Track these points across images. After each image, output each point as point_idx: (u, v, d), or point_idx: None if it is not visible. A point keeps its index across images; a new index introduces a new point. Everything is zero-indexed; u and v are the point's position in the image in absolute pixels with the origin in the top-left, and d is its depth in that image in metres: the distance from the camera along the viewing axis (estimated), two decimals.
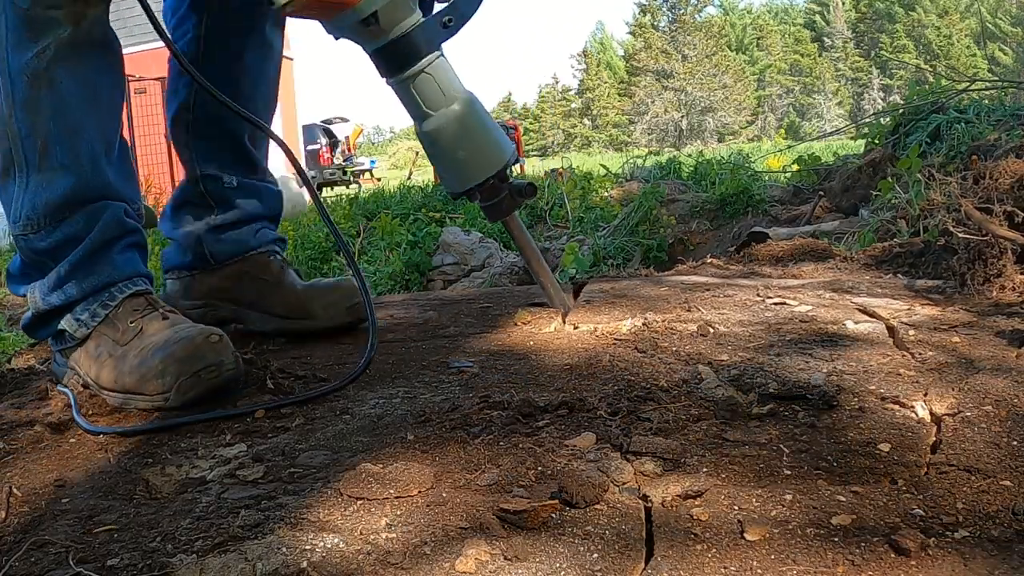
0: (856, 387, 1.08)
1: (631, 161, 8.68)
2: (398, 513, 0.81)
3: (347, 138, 18.46)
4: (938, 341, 1.28)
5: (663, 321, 1.44)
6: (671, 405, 1.05)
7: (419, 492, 0.85)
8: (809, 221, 4.25)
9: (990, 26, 43.85)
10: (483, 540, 0.74)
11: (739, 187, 5.39)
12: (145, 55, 11.30)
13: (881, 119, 5.68)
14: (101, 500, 0.91)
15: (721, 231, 5.12)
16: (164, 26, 1.28)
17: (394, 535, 0.77)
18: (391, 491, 0.85)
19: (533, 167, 17.07)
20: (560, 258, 4.55)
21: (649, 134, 47.22)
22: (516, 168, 13.73)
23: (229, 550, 0.74)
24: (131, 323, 1.26)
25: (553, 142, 52.87)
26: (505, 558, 0.72)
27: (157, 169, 11.45)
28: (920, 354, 1.21)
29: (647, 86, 48.81)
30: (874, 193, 3.77)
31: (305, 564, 0.72)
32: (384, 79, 1.34)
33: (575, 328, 1.47)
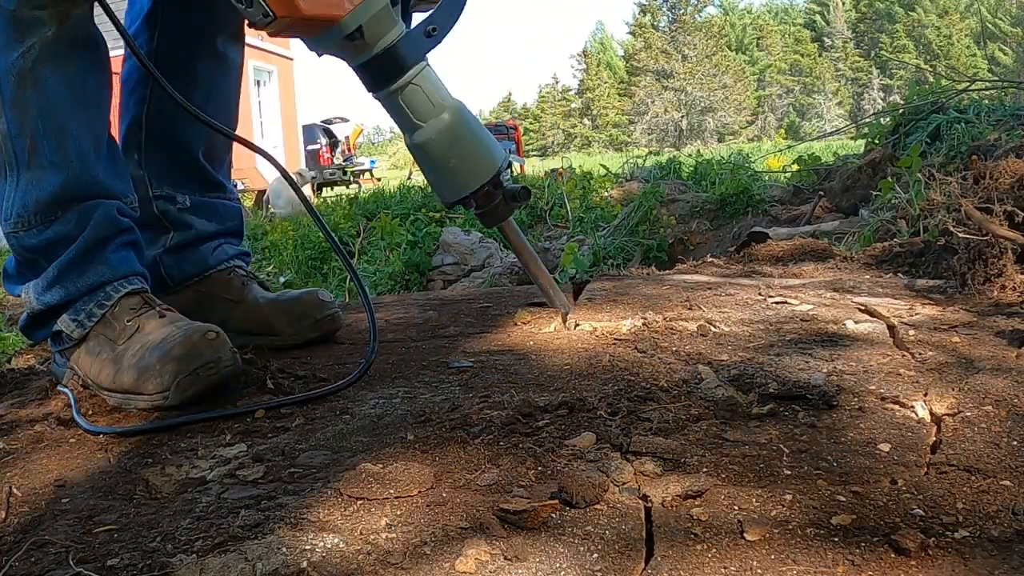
0: (856, 387, 1.08)
1: (631, 161, 8.68)
2: (398, 513, 0.81)
3: (347, 138, 18.45)
4: (938, 341, 1.28)
5: (664, 320, 1.44)
6: (671, 405, 1.05)
7: (419, 492, 0.85)
8: (809, 221, 4.25)
9: (990, 26, 43.86)
10: (483, 540, 0.74)
11: (739, 187, 5.38)
12: None
13: (881, 119, 5.68)
14: (101, 500, 0.91)
15: (721, 231, 5.12)
16: (126, 30, 1.26)
17: (394, 535, 0.77)
18: (391, 491, 0.85)
19: (533, 167, 17.07)
20: (560, 258, 4.55)
21: (649, 134, 47.23)
22: (516, 168, 13.73)
23: (229, 550, 0.74)
24: (128, 322, 1.26)
25: (553, 142, 52.88)
26: (505, 558, 0.72)
27: None
28: (920, 354, 1.21)
29: (647, 86, 48.82)
30: (874, 193, 3.77)
31: (305, 564, 0.72)
32: (371, 93, 1.32)
33: (575, 327, 1.47)
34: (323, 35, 1.24)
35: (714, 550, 0.72)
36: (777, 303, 1.55)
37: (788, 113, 51.40)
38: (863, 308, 1.49)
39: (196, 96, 1.51)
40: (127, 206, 1.35)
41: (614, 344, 1.35)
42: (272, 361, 1.35)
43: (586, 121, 53.92)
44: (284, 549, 0.74)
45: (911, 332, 1.33)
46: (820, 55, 52.71)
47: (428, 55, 1.30)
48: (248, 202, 13.76)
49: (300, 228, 7.60)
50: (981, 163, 2.01)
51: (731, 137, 45.60)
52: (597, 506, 0.80)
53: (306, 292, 1.56)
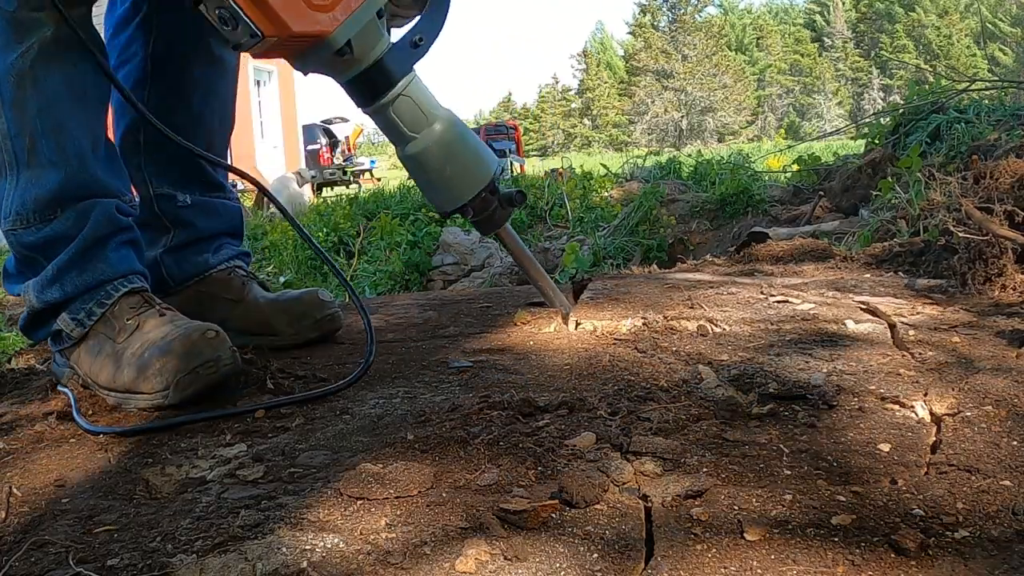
0: (856, 387, 1.08)
1: (631, 161, 8.68)
2: (398, 513, 0.81)
3: (347, 138, 18.44)
4: (938, 341, 1.28)
5: (664, 320, 1.44)
6: (671, 405, 1.05)
7: (419, 492, 0.85)
8: (809, 221, 4.25)
9: (990, 26, 43.86)
10: (483, 540, 0.74)
11: (739, 187, 5.39)
12: None
13: (881, 119, 5.68)
14: (101, 500, 0.91)
15: (721, 231, 5.12)
16: (114, 74, 1.24)
17: (394, 535, 0.77)
18: (391, 491, 0.85)
19: (533, 167, 17.07)
20: (560, 258, 4.55)
21: (649, 134, 47.23)
22: (517, 168, 13.72)
23: (229, 550, 0.74)
24: (128, 321, 1.26)
25: (553, 142, 52.89)
26: (505, 558, 0.72)
27: None
28: (920, 354, 1.21)
29: (647, 86, 48.83)
30: (874, 193, 3.77)
31: (305, 564, 0.72)
32: (361, 109, 1.31)
33: (576, 327, 1.47)
34: (311, 52, 1.22)
35: (714, 550, 0.72)
36: (779, 302, 1.55)
37: (788, 113, 51.41)
38: (865, 307, 1.49)
39: (194, 98, 1.51)
40: (126, 204, 1.35)
41: (614, 344, 1.35)
42: (272, 361, 1.35)
43: (586, 121, 53.93)
44: (284, 549, 0.74)
45: (911, 332, 1.33)
46: (820, 55, 52.73)
47: (416, 65, 1.29)
48: (248, 202, 13.76)
49: None
50: (981, 163, 2.01)
51: (731, 137, 45.62)
52: (597, 506, 0.80)
53: (306, 292, 1.56)
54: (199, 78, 1.51)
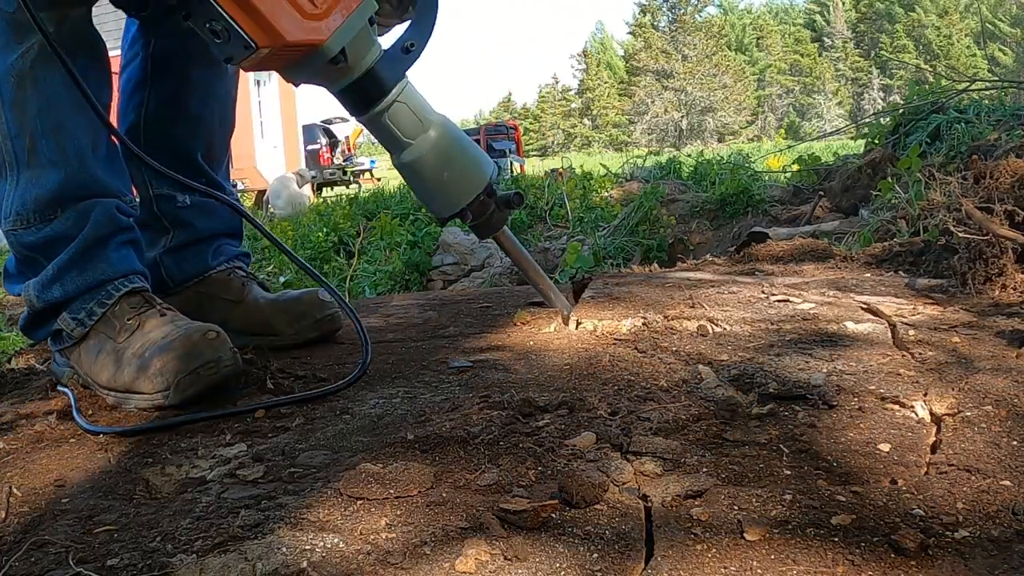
0: (856, 387, 1.08)
1: (631, 161, 8.68)
2: (398, 513, 0.81)
3: (347, 138, 18.44)
4: (938, 341, 1.28)
5: (665, 319, 1.44)
6: (671, 405, 1.05)
7: (419, 492, 0.85)
8: (809, 221, 4.25)
9: (990, 26, 43.86)
10: (483, 540, 0.74)
11: (739, 187, 5.39)
12: None
13: (881, 119, 5.68)
14: (101, 500, 0.91)
15: (721, 231, 5.12)
16: (89, 92, 1.23)
17: (394, 535, 0.77)
18: (391, 491, 0.85)
19: (533, 167, 17.07)
20: (560, 258, 4.56)
21: (649, 134, 47.24)
22: (517, 168, 13.71)
23: (229, 550, 0.74)
24: (128, 320, 1.26)
25: (553, 142, 52.88)
26: (505, 558, 0.72)
27: None
28: (920, 354, 1.21)
29: (647, 86, 48.82)
30: (874, 193, 3.77)
31: (305, 564, 0.72)
32: (355, 118, 1.30)
33: (576, 327, 1.47)
34: (305, 62, 1.20)
35: (714, 550, 0.72)
36: (779, 301, 1.55)
37: (788, 113, 51.41)
38: (866, 307, 1.49)
39: (192, 100, 1.51)
40: (127, 204, 1.35)
41: (614, 344, 1.35)
42: (272, 361, 1.35)
43: (586, 121, 53.93)
44: (284, 549, 0.74)
45: (911, 332, 1.33)
46: (820, 55, 52.73)
47: (408, 72, 1.28)
48: (248, 202, 13.76)
49: (300, 228, 7.60)
50: (981, 163, 2.01)
51: (731, 137, 45.62)
52: (597, 506, 0.80)
53: (306, 292, 1.56)
54: (198, 80, 1.52)
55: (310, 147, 17.63)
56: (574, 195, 6.60)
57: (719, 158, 7.83)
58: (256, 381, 1.27)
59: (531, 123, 54.00)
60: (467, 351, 1.40)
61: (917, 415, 1.00)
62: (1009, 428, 0.93)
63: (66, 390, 1.28)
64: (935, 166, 3.37)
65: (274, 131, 17.60)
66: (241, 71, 1.37)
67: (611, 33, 63.89)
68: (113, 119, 1.39)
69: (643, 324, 1.43)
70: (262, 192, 13.42)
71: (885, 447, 0.91)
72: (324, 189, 16.92)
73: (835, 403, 1.03)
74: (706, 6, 50.55)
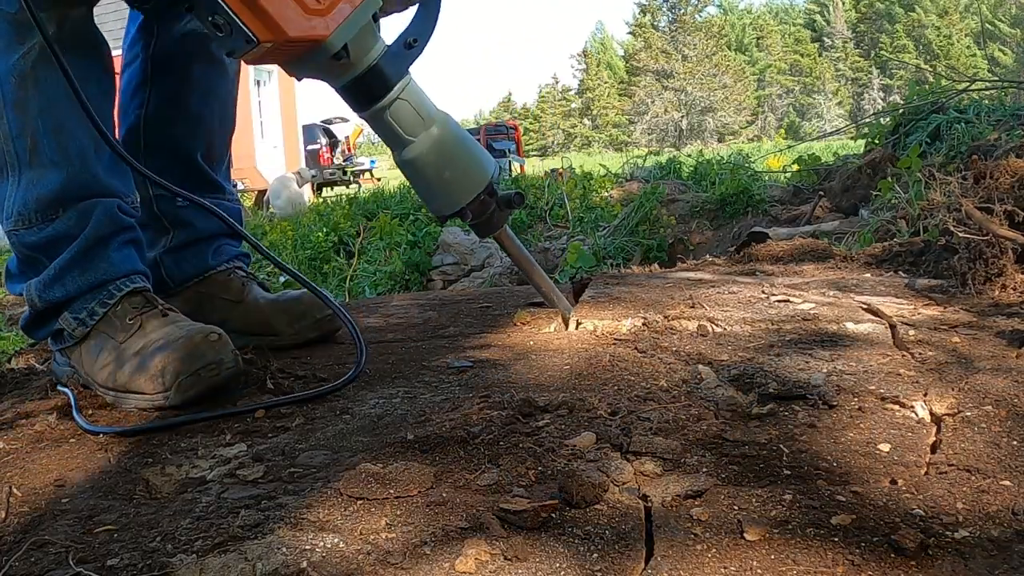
0: (856, 387, 1.08)
1: (631, 161, 8.69)
2: (398, 513, 0.81)
3: (347, 138, 18.44)
4: (938, 341, 1.28)
5: (665, 320, 1.44)
6: (671, 405, 1.05)
7: (419, 492, 0.85)
8: (809, 221, 4.25)
9: (990, 26, 43.86)
10: (483, 540, 0.74)
11: (739, 187, 5.39)
12: None
13: (881, 119, 5.68)
14: (101, 500, 0.91)
15: (721, 231, 5.12)
16: (87, 101, 1.23)
17: (394, 535, 0.77)
18: (391, 491, 0.85)
19: (533, 167, 17.07)
20: (560, 258, 4.56)
21: (649, 134, 47.23)
22: (517, 168, 13.70)
23: (229, 550, 0.74)
24: (130, 321, 1.27)
25: (553, 142, 52.88)
26: (505, 558, 0.72)
27: None
28: (920, 354, 1.21)
29: (647, 86, 48.82)
30: (874, 193, 3.77)
31: (305, 564, 0.72)
32: (358, 114, 1.30)
33: (576, 327, 1.47)
34: (307, 57, 1.19)
35: (714, 550, 0.72)
36: (779, 301, 1.55)
37: (788, 113, 51.41)
38: (866, 307, 1.49)
39: (192, 99, 1.51)
40: (128, 205, 1.35)
41: (614, 344, 1.35)
42: (272, 361, 1.35)
43: (586, 121, 53.93)
44: (284, 549, 0.74)
45: (911, 332, 1.33)
46: (820, 55, 52.72)
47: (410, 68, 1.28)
48: (248, 202, 13.77)
49: (300, 228, 7.59)
50: (981, 163, 2.01)
51: (731, 137, 45.61)
52: (597, 506, 0.80)
53: (306, 292, 1.56)
54: (199, 79, 1.52)
55: (310, 147, 17.63)
56: (574, 195, 6.60)
57: (719, 158, 7.83)
58: (256, 381, 1.27)
59: (531, 123, 54.00)
60: (467, 351, 1.40)
61: (917, 415, 1.00)
62: (1009, 428, 0.94)
63: (66, 390, 1.28)
64: (935, 166, 3.38)
65: (274, 131, 17.60)
66: (242, 70, 1.37)
67: (611, 33, 64.00)
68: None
69: (643, 324, 1.43)
70: (262, 192, 13.42)
71: (885, 447, 0.91)
72: (324, 189, 16.92)
73: (835, 403, 1.03)
74: (706, 6, 50.57)
